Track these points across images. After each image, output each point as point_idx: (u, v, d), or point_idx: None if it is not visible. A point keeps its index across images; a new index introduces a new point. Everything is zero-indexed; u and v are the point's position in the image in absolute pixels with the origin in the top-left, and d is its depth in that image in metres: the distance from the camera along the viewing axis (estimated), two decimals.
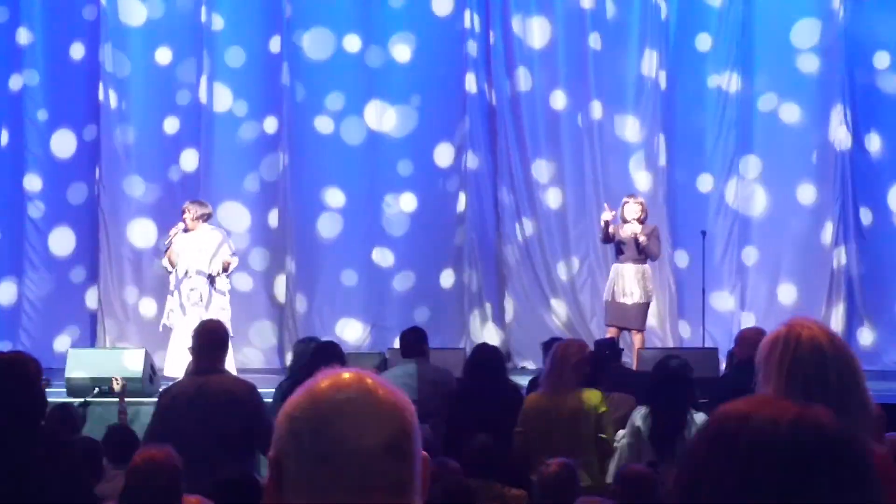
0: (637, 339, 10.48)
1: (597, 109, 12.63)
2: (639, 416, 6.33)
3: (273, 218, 12.71)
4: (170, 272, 10.56)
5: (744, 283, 12.69)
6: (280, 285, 12.65)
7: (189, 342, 6.00)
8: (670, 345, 12.20)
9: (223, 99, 12.59)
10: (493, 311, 12.75)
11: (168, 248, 10.53)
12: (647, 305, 10.65)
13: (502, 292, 12.76)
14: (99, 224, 12.49)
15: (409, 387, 7.20)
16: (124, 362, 9.50)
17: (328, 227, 12.69)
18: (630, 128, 12.71)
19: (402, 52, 12.64)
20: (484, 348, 7.69)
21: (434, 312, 12.43)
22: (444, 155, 12.75)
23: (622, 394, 6.96)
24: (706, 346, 11.52)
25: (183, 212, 10.57)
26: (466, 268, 12.70)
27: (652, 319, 12.36)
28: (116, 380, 8.68)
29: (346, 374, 1.55)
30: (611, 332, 10.48)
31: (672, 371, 6.40)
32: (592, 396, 6.45)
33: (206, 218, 10.58)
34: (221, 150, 12.61)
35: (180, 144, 12.66)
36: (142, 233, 12.62)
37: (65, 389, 9.35)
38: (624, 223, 10.62)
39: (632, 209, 10.67)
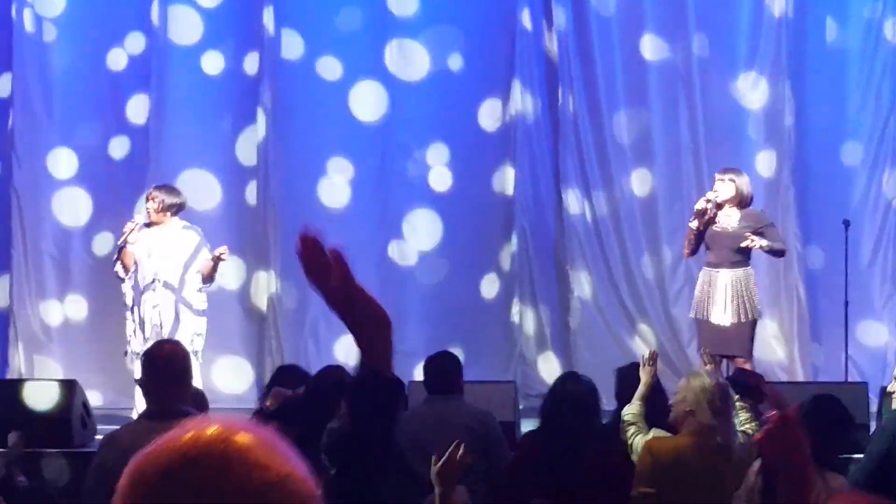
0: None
1: (700, 50, 12.63)
2: (755, 469, 6.36)
3: (251, 194, 12.72)
4: (122, 280, 10.38)
5: None
6: (259, 289, 12.62)
7: (138, 373, 5.92)
8: (800, 378, 12.09)
9: (186, 29, 12.67)
10: (552, 330, 12.69)
11: (122, 249, 10.31)
12: (752, 325, 10.31)
13: (565, 303, 12.71)
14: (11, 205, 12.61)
15: (438, 434, 7.13)
16: (32, 399, 9.55)
17: (328, 206, 12.72)
18: (743, 80, 12.66)
19: None
20: (574, 381, 7.58)
21: (471, 333, 12.40)
22: (488, 114, 12.75)
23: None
24: (850, 379, 11.41)
25: (146, 199, 10.45)
26: (516, 270, 12.65)
27: (772, 342, 12.23)
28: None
29: (212, 428, 1.59)
30: (705, 361, 10.28)
31: (828, 414, 6.37)
32: (741, 452, 6.58)
33: (178, 210, 10.39)
34: (179, 97, 12.69)
35: (127, 88, 12.74)
36: (70, 207, 12.66)
37: None
38: (717, 209, 10.24)
39: (719, 189, 10.22)
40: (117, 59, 12.77)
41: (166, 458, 1.57)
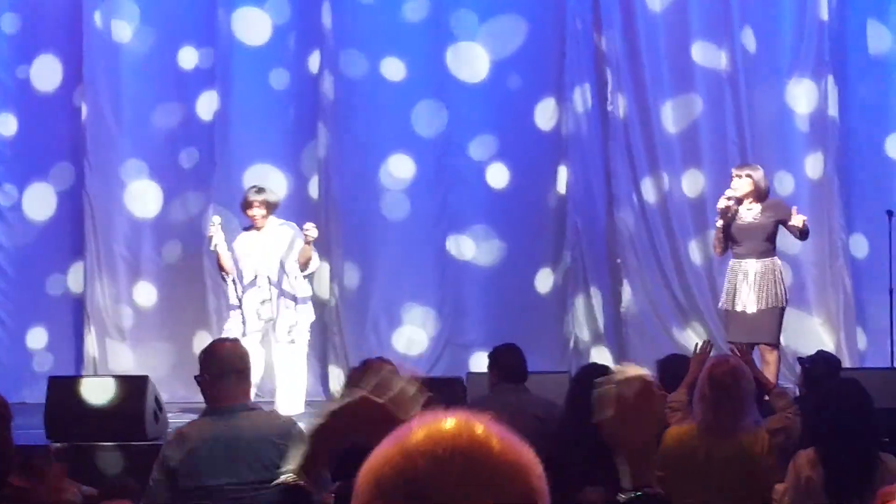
0: (771, 357, 10.20)
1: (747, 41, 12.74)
2: (805, 461, 6.33)
3: (313, 188, 12.88)
4: (225, 282, 10.69)
5: None
6: (322, 282, 12.79)
7: (199, 370, 5.94)
8: (847, 364, 12.15)
9: (253, 25, 12.84)
10: (605, 322, 12.87)
11: (218, 254, 10.60)
12: (780, 312, 10.39)
13: (618, 296, 12.88)
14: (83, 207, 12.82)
15: (508, 423, 7.23)
16: (106, 394, 9.74)
17: (389, 203, 12.88)
18: (788, 80, 12.80)
19: None
20: (591, 370, 7.75)
21: (527, 325, 12.51)
22: (544, 112, 12.92)
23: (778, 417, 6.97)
24: None
25: (248, 205, 10.54)
26: (569, 266, 12.81)
27: (818, 329, 12.35)
28: None
29: (449, 423, 1.55)
30: (738, 352, 10.41)
31: (852, 399, 6.43)
32: (755, 440, 6.50)
33: (277, 209, 10.72)
34: (247, 93, 12.84)
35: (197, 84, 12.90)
36: (140, 199, 12.83)
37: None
38: (738, 205, 10.34)
39: (736, 185, 10.33)
40: (187, 58, 12.88)
41: (409, 460, 1.53)
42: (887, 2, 12.88)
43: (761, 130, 12.76)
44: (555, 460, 6.40)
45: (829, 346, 12.27)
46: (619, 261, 12.79)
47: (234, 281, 10.66)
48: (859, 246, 12.79)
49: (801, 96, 12.78)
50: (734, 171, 10.55)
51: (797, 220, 10.24)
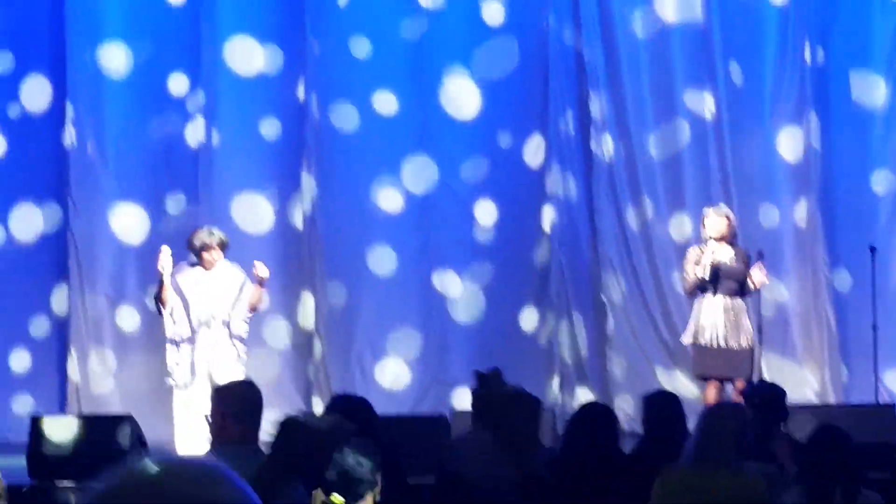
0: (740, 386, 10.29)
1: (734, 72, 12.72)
2: (791, 500, 6.28)
3: (298, 218, 12.82)
4: (160, 314, 10.46)
5: None
6: (306, 315, 12.70)
7: (206, 409, 5.87)
8: (831, 400, 12.13)
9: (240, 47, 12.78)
10: (589, 362, 12.77)
11: (161, 283, 10.36)
12: (752, 351, 10.62)
13: (603, 335, 12.80)
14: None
15: (484, 463, 7.16)
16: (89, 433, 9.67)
17: (375, 237, 12.77)
18: (769, 109, 12.75)
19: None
20: (593, 410, 7.78)
21: (511, 365, 12.35)
22: (531, 148, 12.86)
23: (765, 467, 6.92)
24: (880, 401, 11.45)
25: (201, 249, 10.31)
26: (553, 303, 12.73)
27: (803, 366, 12.30)
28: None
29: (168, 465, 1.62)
30: (712, 387, 10.45)
31: (832, 437, 6.41)
32: (756, 483, 6.43)
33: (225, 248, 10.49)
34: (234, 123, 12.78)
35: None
36: (125, 223, 12.70)
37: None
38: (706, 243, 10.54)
39: (713, 225, 10.56)
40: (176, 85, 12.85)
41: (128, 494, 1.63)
42: (870, 49, 12.83)
43: (744, 167, 12.70)
44: (538, 499, 6.36)
45: (811, 381, 12.23)
46: (601, 294, 12.70)
47: (171, 314, 10.48)
48: (843, 281, 12.72)
49: (785, 136, 12.72)
50: (712, 212, 10.63)
51: (758, 278, 10.31)
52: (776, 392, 8.69)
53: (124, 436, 9.61)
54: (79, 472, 9.30)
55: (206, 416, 5.82)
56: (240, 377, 10.30)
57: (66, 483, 9.22)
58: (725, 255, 10.47)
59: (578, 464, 7.05)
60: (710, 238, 10.60)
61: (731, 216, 10.67)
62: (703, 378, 10.65)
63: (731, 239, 10.58)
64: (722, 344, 10.44)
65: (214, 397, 5.87)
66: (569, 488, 6.85)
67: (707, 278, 10.47)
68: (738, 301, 10.56)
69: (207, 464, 1.63)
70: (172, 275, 10.35)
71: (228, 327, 10.30)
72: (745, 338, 10.50)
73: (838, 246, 12.69)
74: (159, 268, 10.33)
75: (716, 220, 10.55)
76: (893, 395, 11.97)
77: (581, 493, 6.89)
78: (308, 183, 12.68)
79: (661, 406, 7.80)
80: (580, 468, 7.00)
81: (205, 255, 10.32)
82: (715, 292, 10.52)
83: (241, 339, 10.40)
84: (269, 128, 12.79)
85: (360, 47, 12.84)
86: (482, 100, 12.85)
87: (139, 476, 1.61)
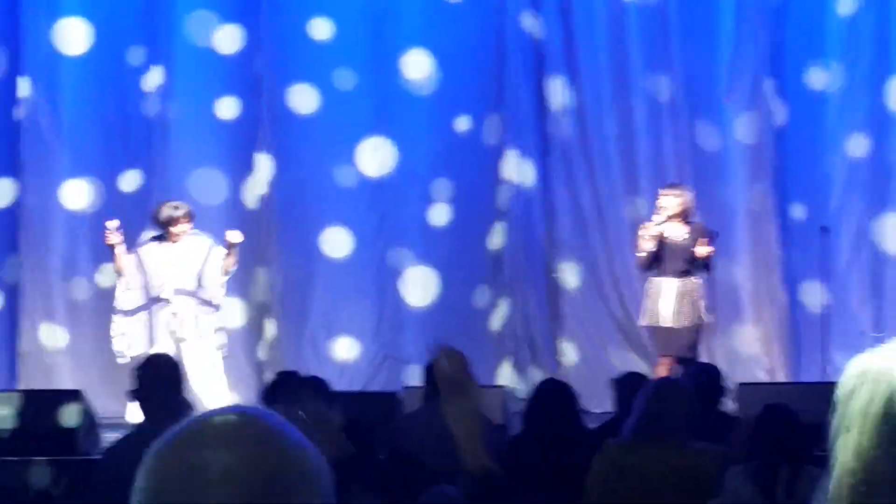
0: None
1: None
2: (736, 477, 6.28)
3: (252, 197, 12.73)
4: (126, 288, 10.41)
5: (880, 295, 12.71)
6: (258, 289, 12.66)
7: (129, 383, 5.91)
8: (781, 378, 12.20)
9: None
10: (542, 343, 12.75)
11: (114, 253, 10.34)
12: (699, 328, 10.64)
13: (557, 316, 12.79)
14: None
15: (438, 438, 7.17)
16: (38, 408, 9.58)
17: (330, 214, 12.74)
18: (727, 85, 12.82)
19: None
20: (551, 385, 7.79)
21: (463, 346, 12.33)
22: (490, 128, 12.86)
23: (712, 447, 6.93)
24: (828, 379, 11.51)
25: (167, 223, 10.25)
26: (507, 284, 12.71)
27: (755, 344, 12.36)
28: None
29: (231, 418, 1.55)
30: (663, 365, 10.49)
31: (780, 414, 6.44)
32: (706, 456, 6.51)
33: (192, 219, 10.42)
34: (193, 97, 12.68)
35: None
36: (78, 197, 12.58)
37: None
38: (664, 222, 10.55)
39: (666, 203, 10.58)
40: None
41: (184, 441, 1.53)
42: (826, 32, 12.87)
43: (700, 149, 12.72)
44: (494, 476, 6.39)
45: (762, 359, 12.30)
46: (554, 275, 12.71)
47: (125, 285, 10.41)
48: (794, 261, 12.78)
49: (742, 118, 12.74)
50: (664, 191, 10.67)
51: (701, 251, 10.32)
52: (710, 371, 8.75)
53: (72, 411, 9.53)
54: (24, 449, 9.22)
55: (127, 393, 5.84)
56: (214, 352, 10.34)
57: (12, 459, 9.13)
58: (677, 232, 10.45)
59: (539, 441, 7.09)
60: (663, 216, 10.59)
61: (686, 195, 10.65)
62: (663, 357, 10.66)
63: (685, 218, 10.55)
64: (672, 324, 10.45)
65: (136, 373, 5.88)
66: (533, 466, 6.89)
67: (654, 250, 10.45)
68: (690, 280, 10.54)
69: (272, 413, 1.59)
70: (135, 249, 10.31)
71: (197, 296, 10.27)
72: (695, 317, 10.47)
73: (791, 226, 12.72)
74: (107, 244, 10.29)
75: (667, 199, 10.57)
76: (841, 373, 12.00)
77: (544, 471, 6.92)
78: (264, 161, 12.62)
79: (632, 386, 7.84)
80: (541, 445, 7.04)
81: (171, 229, 10.31)
82: (661, 268, 10.51)
83: (214, 307, 10.36)
84: (227, 105, 12.71)
85: (320, 28, 12.77)
86: (439, 80, 12.80)
87: (216, 423, 1.55)
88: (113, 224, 10.39)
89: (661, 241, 10.46)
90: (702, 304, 10.57)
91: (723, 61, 12.79)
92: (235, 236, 10.40)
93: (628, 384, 7.86)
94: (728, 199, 12.64)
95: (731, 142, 12.73)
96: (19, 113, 12.56)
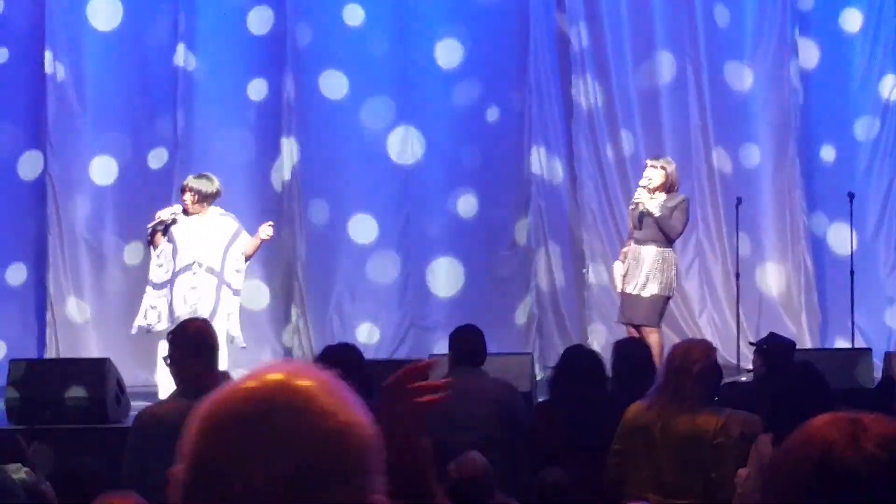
0: (653, 339, 10.23)
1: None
2: (765, 445, 6.16)
3: (278, 179, 12.74)
4: (158, 264, 10.36)
5: None
6: (282, 275, 12.64)
7: (165, 351, 5.93)
8: (809, 344, 12.16)
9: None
10: (566, 304, 12.74)
11: (155, 233, 10.33)
12: (666, 299, 10.60)
13: (580, 278, 12.79)
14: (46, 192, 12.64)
15: (464, 405, 7.17)
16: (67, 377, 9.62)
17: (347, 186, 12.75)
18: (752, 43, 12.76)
19: None
20: (579, 350, 7.79)
21: (486, 310, 12.26)
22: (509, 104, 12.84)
23: (745, 414, 6.90)
24: (857, 346, 11.48)
25: (182, 190, 10.35)
26: (531, 247, 12.71)
27: (780, 311, 12.32)
28: None
29: (275, 374, 1.53)
30: (654, 333, 10.48)
31: (807, 381, 6.38)
32: (709, 421, 6.49)
33: (214, 199, 10.38)
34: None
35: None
36: (101, 167, 12.64)
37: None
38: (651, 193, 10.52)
39: (649, 174, 10.56)
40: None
41: (231, 404, 1.51)
42: None
43: (724, 110, 12.69)
44: (513, 443, 6.40)
45: (789, 326, 12.25)
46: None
47: (158, 257, 10.39)
48: (821, 227, 12.73)
49: (767, 77, 12.69)
50: (649, 163, 10.67)
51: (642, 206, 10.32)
52: (786, 346, 8.76)
53: (102, 379, 9.56)
54: (57, 417, 9.27)
55: (164, 358, 5.84)
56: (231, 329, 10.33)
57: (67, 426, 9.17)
58: (654, 205, 10.44)
59: (568, 404, 7.12)
60: (645, 187, 10.57)
61: (669, 167, 10.64)
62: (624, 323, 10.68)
63: (666, 189, 10.52)
64: (634, 291, 10.44)
65: (170, 338, 5.87)
66: (561, 429, 6.94)
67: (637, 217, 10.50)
68: (664, 251, 10.46)
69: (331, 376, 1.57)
70: (169, 223, 10.32)
71: (218, 275, 10.27)
72: (660, 287, 10.41)
73: (816, 191, 12.66)
74: (157, 215, 10.31)
75: (650, 171, 10.57)
76: (869, 339, 11.97)
77: (572, 434, 6.97)
78: (291, 145, 12.60)
79: (631, 352, 7.88)
80: (570, 409, 7.08)
81: (182, 197, 10.30)
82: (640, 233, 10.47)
83: (234, 290, 10.34)
84: (256, 87, 12.70)
85: (352, 14, 12.77)
86: (469, 69, 12.80)
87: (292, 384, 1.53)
88: (178, 208, 10.39)
89: (640, 211, 10.44)
90: (671, 275, 10.50)
91: (749, 18, 12.74)
92: (267, 231, 10.36)
93: (628, 349, 7.97)
94: (754, 158, 12.59)
95: (756, 100, 12.67)
96: (47, 87, 12.54)
